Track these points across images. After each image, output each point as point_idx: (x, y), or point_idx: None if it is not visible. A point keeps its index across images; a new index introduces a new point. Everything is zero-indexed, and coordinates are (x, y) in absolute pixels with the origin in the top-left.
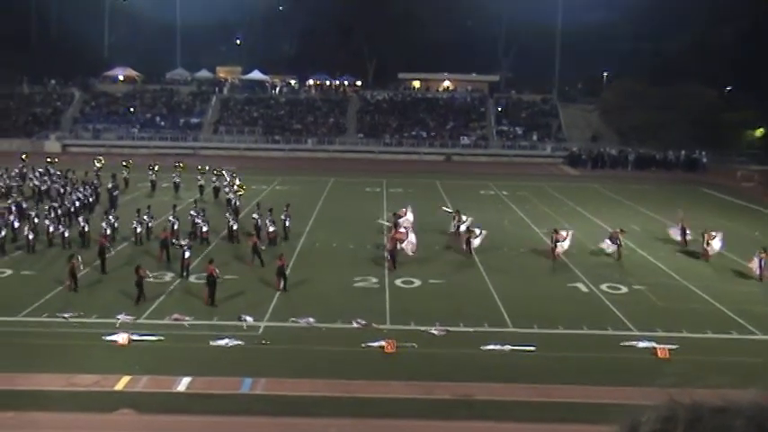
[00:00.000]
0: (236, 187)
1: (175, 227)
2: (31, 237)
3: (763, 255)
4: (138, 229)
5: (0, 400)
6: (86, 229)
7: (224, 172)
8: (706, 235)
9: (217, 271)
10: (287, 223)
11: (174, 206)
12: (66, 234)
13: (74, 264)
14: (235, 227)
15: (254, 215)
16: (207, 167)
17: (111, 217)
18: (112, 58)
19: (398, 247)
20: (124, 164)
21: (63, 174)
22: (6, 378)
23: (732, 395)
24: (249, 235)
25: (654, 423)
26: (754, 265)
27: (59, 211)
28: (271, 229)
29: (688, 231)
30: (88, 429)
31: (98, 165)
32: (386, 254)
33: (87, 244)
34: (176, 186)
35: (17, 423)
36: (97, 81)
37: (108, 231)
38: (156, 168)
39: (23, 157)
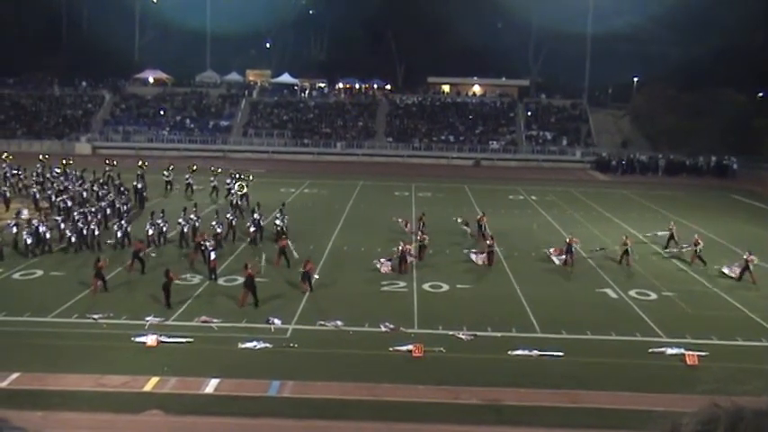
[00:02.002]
0: (237, 186)
1: (218, 229)
2: (73, 239)
3: (750, 257)
4: (185, 230)
5: (30, 400)
6: (128, 230)
7: (237, 174)
8: (693, 240)
9: (256, 269)
10: (276, 222)
11: (217, 211)
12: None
13: (102, 266)
14: (219, 229)
15: (256, 215)
16: (220, 169)
17: (159, 221)
18: (143, 60)
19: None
20: (172, 167)
21: (80, 174)
22: (36, 378)
23: None
24: (279, 236)
25: (695, 425)
26: (734, 268)
27: (99, 215)
28: (252, 229)
29: (676, 238)
30: (116, 430)
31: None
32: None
33: (123, 246)
34: (215, 189)
35: (46, 423)
36: (127, 83)
37: (150, 233)
38: (172, 168)
39: (43, 158)
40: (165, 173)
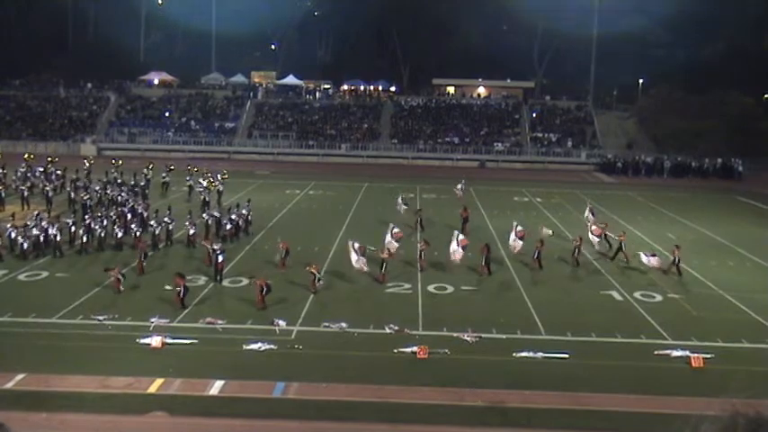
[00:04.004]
0: (206, 183)
1: (192, 230)
2: (85, 239)
3: (677, 252)
4: (192, 231)
5: (34, 401)
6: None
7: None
8: (620, 238)
9: (268, 282)
10: (233, 216)
11: (190, 210)
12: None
13: (116, 269)
14: (192, 231)
15: (234, 216)
16: (196, 168)
17: (166, 218)
18: (148, 62)
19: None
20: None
21: (62, 173)
22: (40, 379)
23: None
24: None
25: (715, 430)
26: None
27: (114, 217)
28: (228, 226)
29: (609, 235)
30: (121, 431)
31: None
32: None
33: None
34: (191, 189)
35: (50, 424)
36: (133, 85)
37: (157, 231)
38: (173, 168)
39: (27, 157)
40: (163, 174)
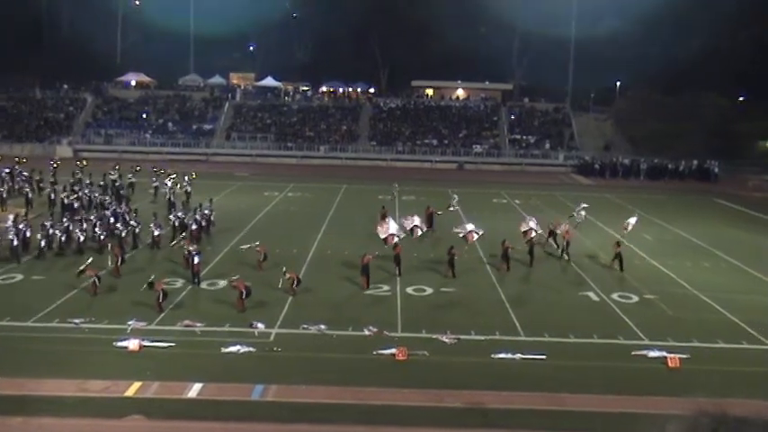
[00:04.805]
0: (170, 184)
1: (156, 231)
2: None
3: (618, 248)
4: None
5: (10, 406)
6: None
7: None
8: (558, 229)
9: (247, 284)
10: (197, 217)
11: (155, 213)
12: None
13: (94, 271)
14: (157, 232)
15: (198, 216)
16: (162, 170)
17: (132, 221)
18: (125, 63)
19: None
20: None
21: (29, 175)
22: (17, 383)
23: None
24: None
25: (680, 430)
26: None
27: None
28: (194, 227)
29: (558, 231)
30: None
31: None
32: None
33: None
34: (156, 190)
35: (27, 428)
36: (110, 86)
37: (123, 234)
38: (138, 169)
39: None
40: (129, 175)
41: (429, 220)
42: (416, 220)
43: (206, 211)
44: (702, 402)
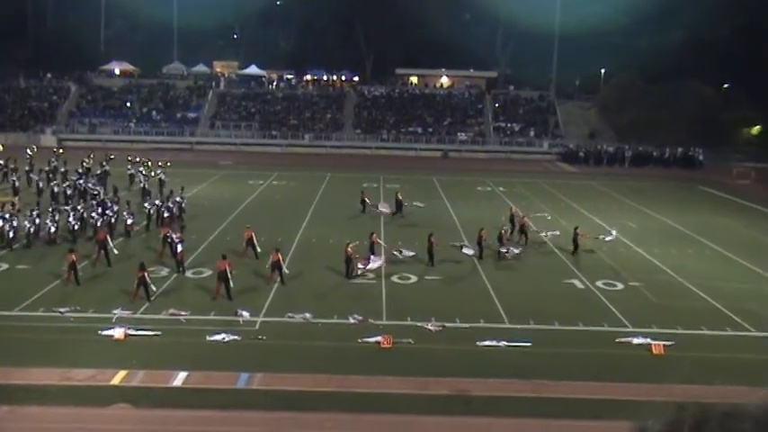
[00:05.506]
0: (145, 172)
1: (129, 220)
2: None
3: (580, 231)
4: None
5: None
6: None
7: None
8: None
9: (230, 266)
10: (170, 204)
11: (128, 201)
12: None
13: (74, 258)
14: (130, 221)
15: (170, 204)
16: (137, 158)
17: (108, 211)
18: (109, 51)
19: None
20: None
21: (4, 163)
22: (2, 372)
23: (739, 397)
24: (247, 228)
25: (661, 426)
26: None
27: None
28: (166, 214)
29: (526, 226)
30: (84, 423)
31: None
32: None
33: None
34: (131, 178)
35: (12, 417)
36: (93, 75)
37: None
38: (113, 157)
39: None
40: (104, 163)
41: (398, 205)
42: (386, 208)
43: (177, 198)
44: (686, 396)
